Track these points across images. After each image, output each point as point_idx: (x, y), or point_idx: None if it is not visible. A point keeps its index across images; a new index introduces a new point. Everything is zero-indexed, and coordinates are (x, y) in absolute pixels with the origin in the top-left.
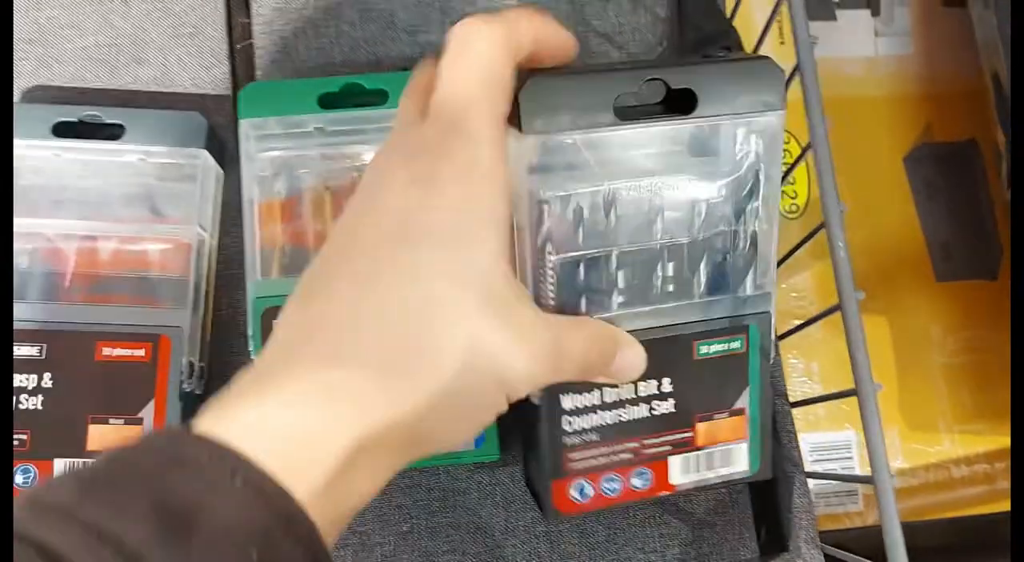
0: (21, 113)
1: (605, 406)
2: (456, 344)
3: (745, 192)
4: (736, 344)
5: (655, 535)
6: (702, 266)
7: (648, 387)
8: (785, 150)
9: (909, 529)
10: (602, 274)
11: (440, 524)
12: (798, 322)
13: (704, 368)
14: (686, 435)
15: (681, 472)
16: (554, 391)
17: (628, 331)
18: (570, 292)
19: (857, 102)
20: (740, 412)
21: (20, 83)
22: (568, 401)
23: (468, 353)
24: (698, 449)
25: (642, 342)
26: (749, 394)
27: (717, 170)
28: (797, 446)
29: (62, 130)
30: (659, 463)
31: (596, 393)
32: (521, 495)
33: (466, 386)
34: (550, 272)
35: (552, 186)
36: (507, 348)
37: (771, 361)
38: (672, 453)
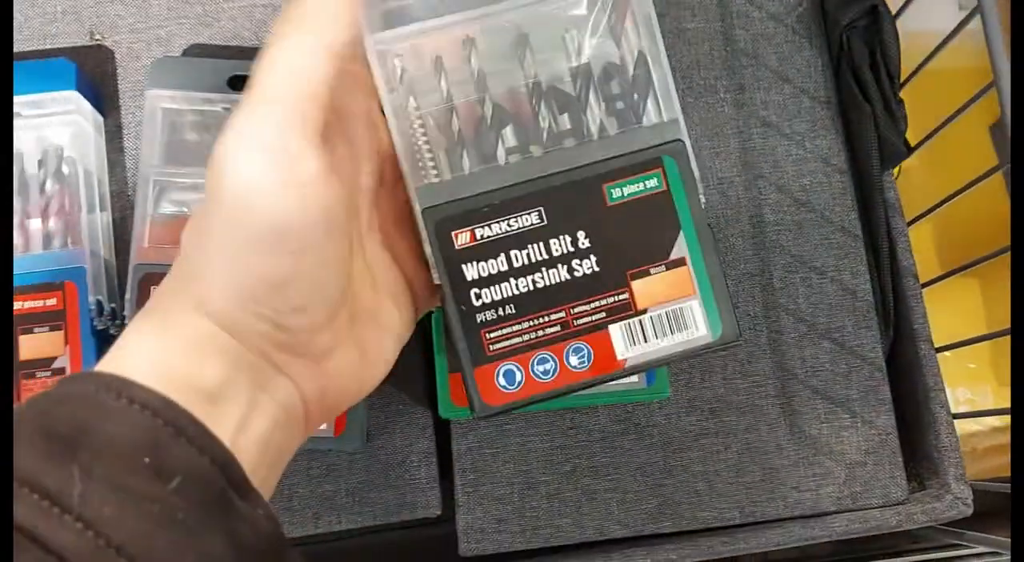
0: (194, 66)
1: (515, 272)
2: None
3: (611, 8)
4: (653, 182)
5: (809, 475)
6: (592, 98)
7: (560, 244)
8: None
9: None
10: (480, 124)
11: (601, 464)
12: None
13: (622, 215)
14: (621, 297)
15: (627, 344)
16: (454, 262)
17: (522, 183)
18: (451, 148)
19: (942, 74)
20: (680, 262)
21: (179, 42)
22: (471, 270)
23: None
24: (641, 313)
25: (542, 192)
26: (686, 240)
27: None
28: (943, 389)
29: (236, 83)
30: (598, 335)
31: (502, 257)
32: (679, 436)
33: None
34: (419, 129)
35: (397, 35)
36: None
37: (702, 201)
38: (610, 321)
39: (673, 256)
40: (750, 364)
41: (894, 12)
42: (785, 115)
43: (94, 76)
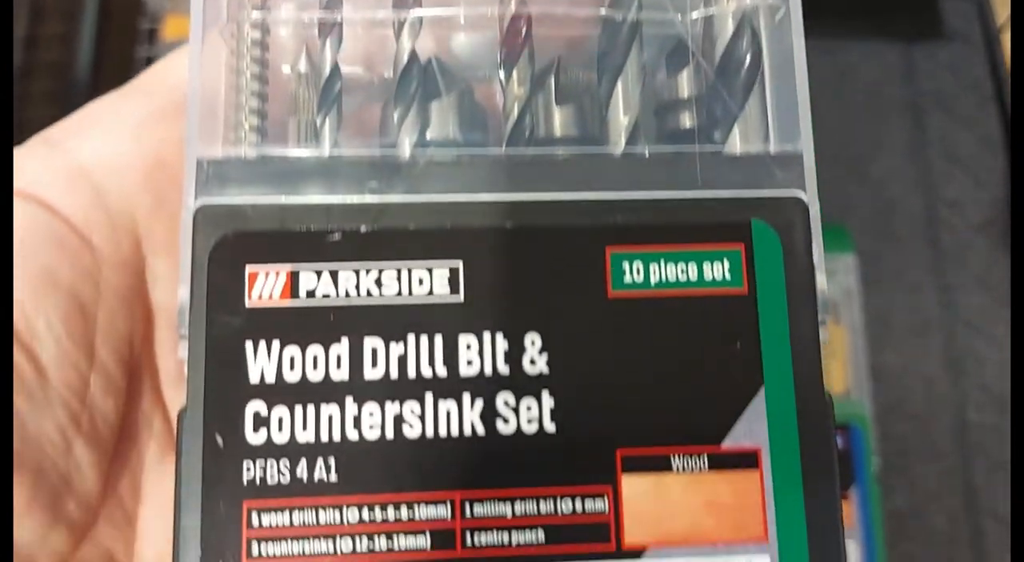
0: None
1: (364, 390)
2: None
3: None
4: (721, 270)
5: None
6: (630, 76)
7: (482, 352)
8: None
9: None
10: (376, 63)
11: None
12: None
13: (640, 323)
14: (589, 505)
15: None
16: (229, 334)
17: (438, 206)
18: (304, 94)
19: None
20: (748, 457)
21: None
22: (262, 361)
23: None
24: (627, 556)
25: (474, 233)
26: (768, 411)
27: None
28: None
29: None
30: None
31: (343, 348)
32: None
33: None
34: (249, 40)
35: None
36: None
37: (823, 338)
38: (550, 556)
39: (733, 442)
40: None
41: None
42: (986, 319)
43: None
